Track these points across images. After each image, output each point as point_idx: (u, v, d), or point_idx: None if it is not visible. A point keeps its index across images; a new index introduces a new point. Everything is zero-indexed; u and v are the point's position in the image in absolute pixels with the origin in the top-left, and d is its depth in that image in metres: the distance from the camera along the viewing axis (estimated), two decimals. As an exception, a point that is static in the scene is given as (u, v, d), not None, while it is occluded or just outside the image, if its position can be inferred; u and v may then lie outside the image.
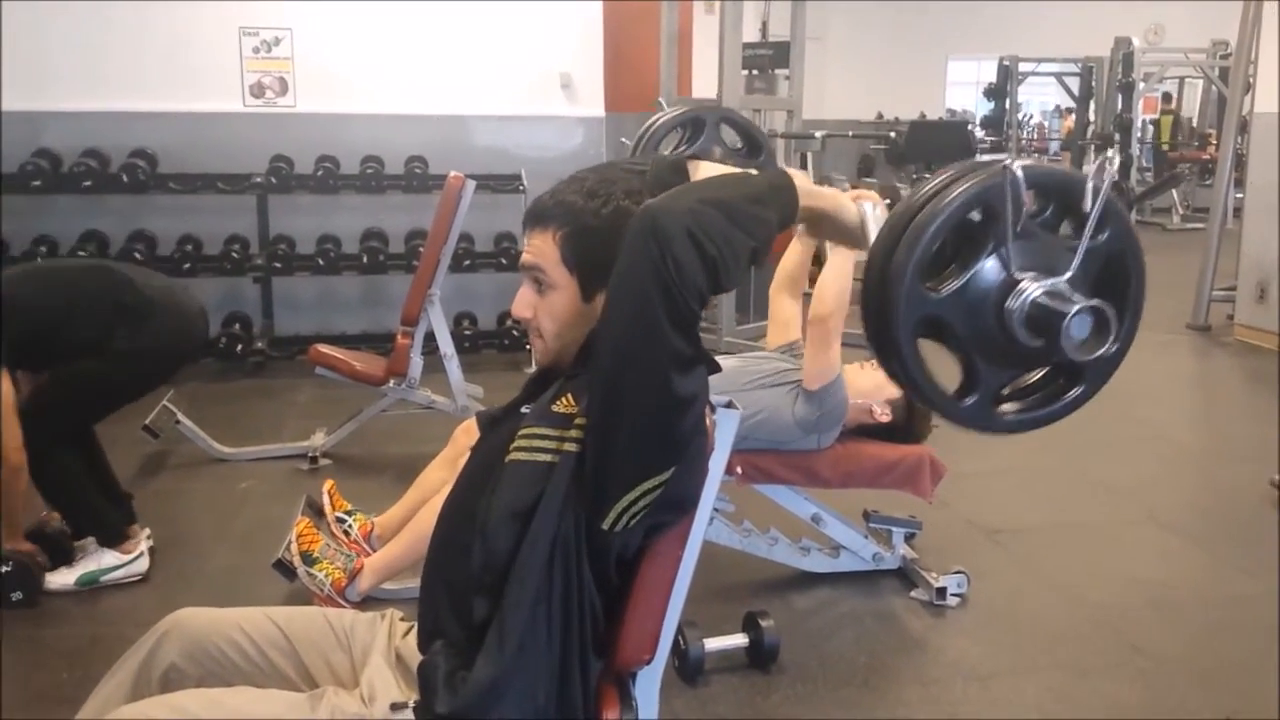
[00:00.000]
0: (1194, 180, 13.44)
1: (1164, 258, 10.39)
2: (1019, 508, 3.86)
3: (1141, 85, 12.81)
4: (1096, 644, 2.84)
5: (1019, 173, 1.19)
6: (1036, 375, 1.32)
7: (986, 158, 1.24)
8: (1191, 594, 3.17)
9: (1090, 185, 1.21)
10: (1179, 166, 13.13)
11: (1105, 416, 5.00)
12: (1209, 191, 8.63)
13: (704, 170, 1.51)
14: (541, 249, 1.47)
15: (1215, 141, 12.39)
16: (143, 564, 3.10)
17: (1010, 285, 1.22)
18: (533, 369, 1.60)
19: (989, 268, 1.23)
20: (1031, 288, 1.21)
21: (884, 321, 1.23)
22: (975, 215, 1.22)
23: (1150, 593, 3.15)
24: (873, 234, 1.36)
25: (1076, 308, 1.18)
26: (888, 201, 1.45)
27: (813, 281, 3.05)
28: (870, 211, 1.42)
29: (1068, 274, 1.22)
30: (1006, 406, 1.32)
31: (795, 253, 3.25)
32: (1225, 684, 2.65)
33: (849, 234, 1.43)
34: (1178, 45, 12.73)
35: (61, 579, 3.01)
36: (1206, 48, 12.66)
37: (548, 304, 1.48)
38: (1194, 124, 14.40)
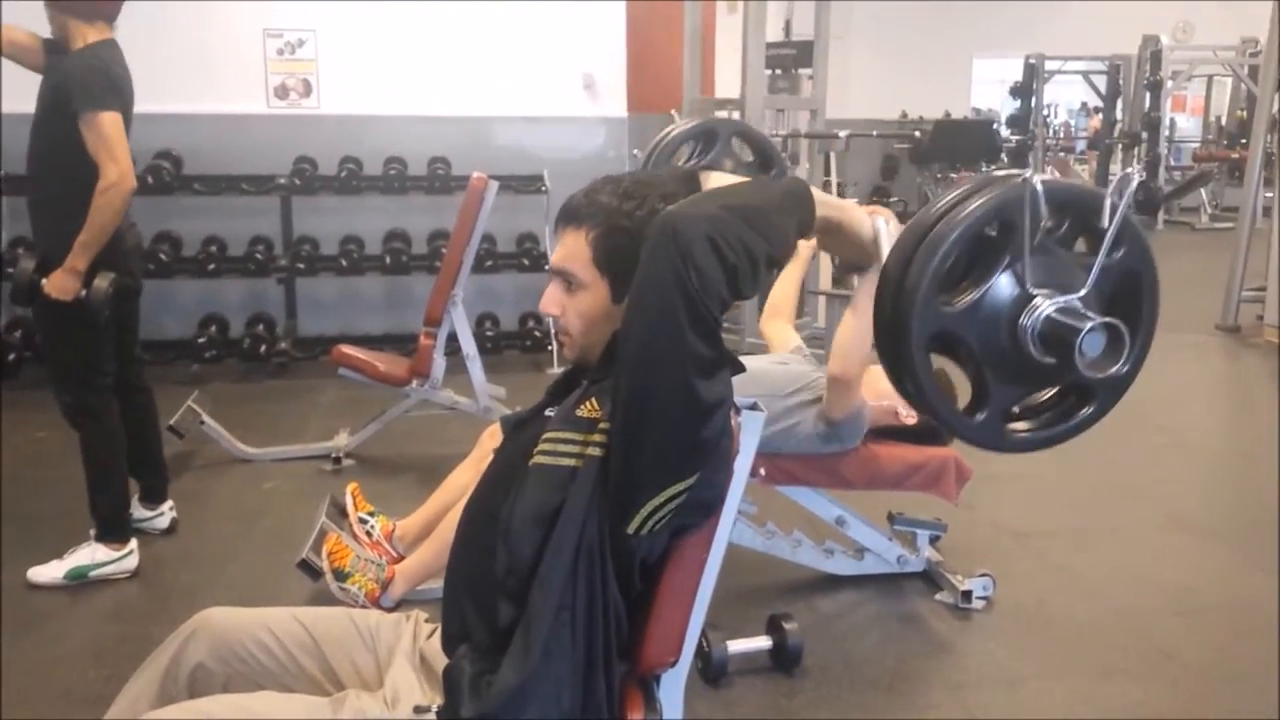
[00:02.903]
0: (1223, 179, 13.31)
1: (1192, 257, 10.32)
2: (1044, 511, 3.83)
3: (1170, 83, 12.69)
4: (1124, 648, 2.82)
5: (1039, 187, 1.17)
6: (1047, 395, 1.31)
7: (1003, 171, 1.23)
8: (1219, 598, 3.13)
9: (1109, 202, 1.19)
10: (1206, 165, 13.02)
11: (1131, 420, 4.92)
12: (1238, 190, 8.54)
13: (714, 181, 1.52)
14: (573, 248, 1.47)
15: (1245, 140, 12.28)
16: (132, 561, 3.13)
17: (1025, 301, 1.21)
18: (555, 370, 1.60)
19: (1004, 283, 1.21)
20: (1046, 304, 1.20)
21: (897, 336, 1.22)
22: (991, 230, 1.20)
23: (1178, 597, 3.12)
24: (885, 249, 1.37)
25: (1091, 325, 1.17)
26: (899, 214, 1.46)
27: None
28: (884, 227, 1.43)
29: (1083, 291, 1.20)
30: (1016, 425, 1.31)
31: (782, 283, 3.30)
32: (1254, 689, 2.61)
33: (862, 248, 1.45)
34: (1207, 43, 12.60)
35: (50, 573, 3.05)
36: (1236, 45, 12.53)
37: (576, 302, 1.48)
38: (1223, 122, 14.25)
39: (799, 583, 3.13)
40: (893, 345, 1.23)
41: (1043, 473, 4.22)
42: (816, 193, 1.40)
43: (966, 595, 2.99)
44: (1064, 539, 3.56)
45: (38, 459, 4.10)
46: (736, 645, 2.63)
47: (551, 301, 1.50)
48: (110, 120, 2.90)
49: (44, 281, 2.93)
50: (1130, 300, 1.26)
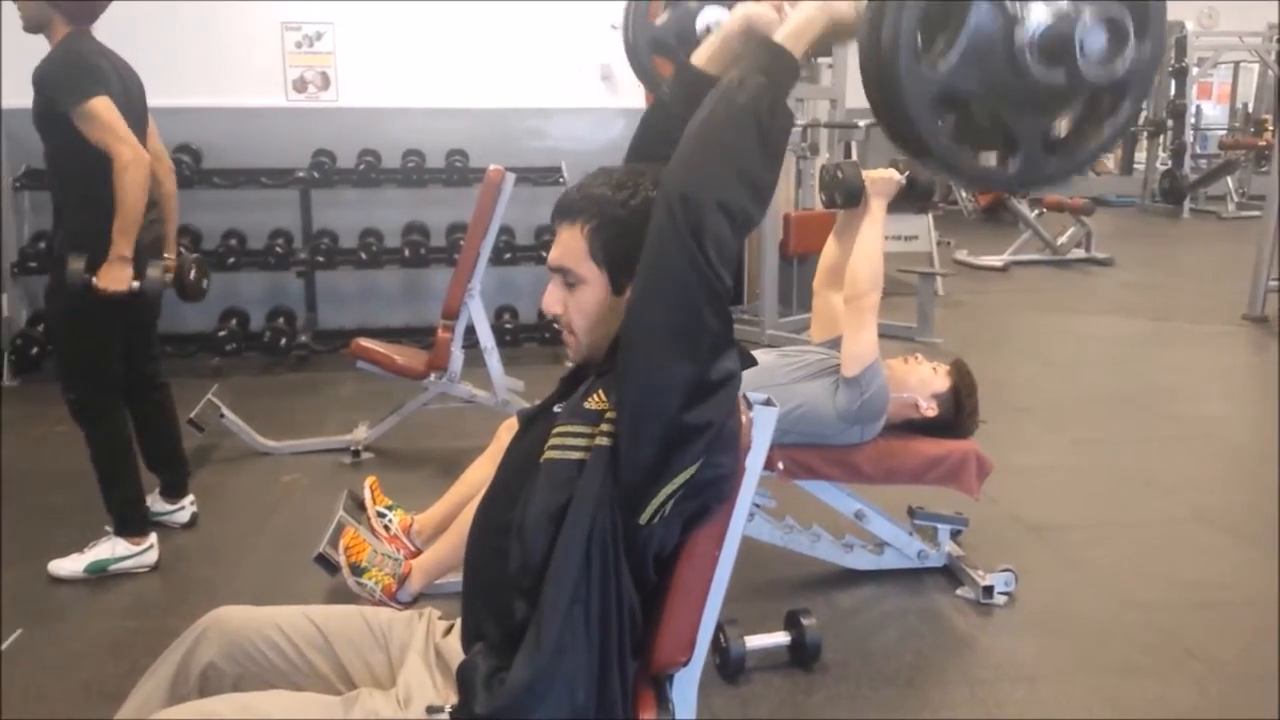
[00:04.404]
0: (1249, 167, 13.14)
1: (1219, 246, 10.21)
2: (1066, 505, 3.78)
3: (1195, 70, 12.53)
4: (1146, 645, 2.78)
5: None
6: (1078, 111, 1.22)
7: None
8: (1243, 595, 3.09)
9: None
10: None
11: (1155, 411, 4.92)
12: (1265, 179, 8.43)
13: (700, 54, 1.57)
14: (569, 244, 1.45)
15: (1271, 127, 12.11)
16: (152, 555, 3.15)
17: (1012, 21, 1.11)
18: (569, 356, 1.58)
19: (985, 12, 1.11)
20: (1037, 16, 1.10)
21: (897, 112, 1.14)
22: None
23: (1201, 593, 3.08)
24: None
25: (1085, 25, 1.07)
26: None
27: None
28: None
29: None
30: (1054, 155, 1.22)
31: (836, 246, 3.21)
32: (1278, 688, 2.58)
33: (853, 32, 1.40)
34: (1232, 29, 12.43)
35: (71, 566, 3.07)
36: (1262, 31, 12.35)
37: (578, 299, 1.46)
38: (1249, 109, 14.07)
39: (818, 578, 3.11)
40: (896, 125, 1.16)
41: (1064, 466, 4.18)
42: (791, 26, 1.36)
43: (988, 590, 2.96)
44: (1086, 533, 3.52)
45: (58, 452, 4.12)
46: (754, 641, 2.61)
47: (553, 301, 1.48)
48: (102, 105, 2.85)
49: (94, 279, 2.91)
50: None
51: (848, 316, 2.86)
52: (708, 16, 2.32)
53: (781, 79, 1.33)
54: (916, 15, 1.10)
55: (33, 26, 2.99)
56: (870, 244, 2.90)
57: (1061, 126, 1.25)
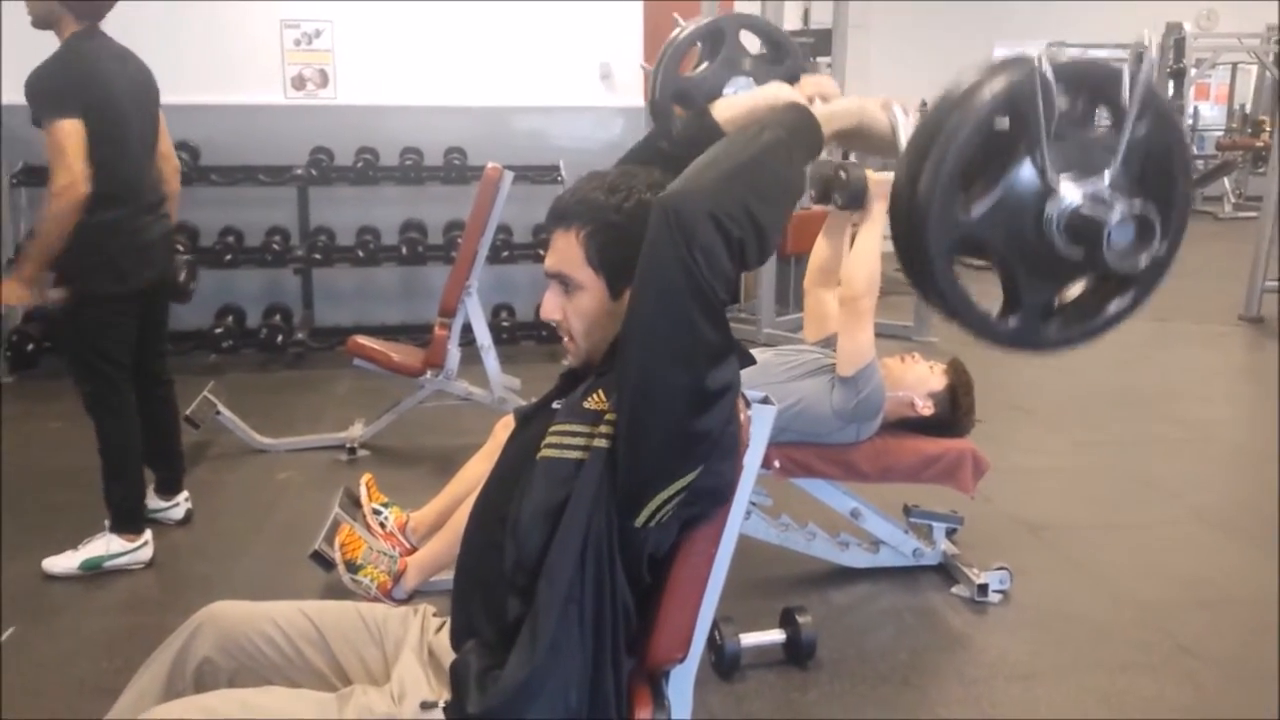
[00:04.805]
0: (1246, 168, 13.15)
1: (1215, 247, 10.20)
2: (1063, 504, 3.79)
3: (1193, 71, 12.53)
4: (1142, 644, 2.78)
5: (1047, 69, 1.10)
6: (1082, 288, 1.25)
7: (1009, 53, 1.14)
8: (1240, 593, 3.09)
9: (1127, 74, 1.12)
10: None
11: (1152, 412, 4.92)
12: (1262, 180, 8.44)
13: (722, 108, 1.53)
14: (565, 250, 1.45)
15: (1269, 128, 12.12)
16: (147, 552, 3.14)
17: (1047, 192, 1.13)
18: (569, 361, 1.58)
19: (1023, 175, 1.14)
20: (1071, 194, 1.12)
21: (916, 250, 1.16)
22: (1003, 121, 1.13)
23: (1197, 592, 3.08)
24: (904, 140, 1.32)
25: (1118, 217, 1.10)
26: (922, 103, 1.37)
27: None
28: (901, 117, 1.38)
29: (1108, 172, 1.13)
30: (1053, 322, 1.25)
31: (825, 245, 3.21)
32: (1276, 685, 2.58)
33: (881, 144, 1.42)
34: (1231, 30, 12.44)
35: (65, 563, 3.06)
36: (1260, 33, 12.36)
37: (576, 305, 1.46)
38: (1247, 110, 14.08)
39: (813, 575, 3.11)
40: (913, 260, 1.18)
41: (1061, 465, 4.19)
42: (825, 108, 1.38)
43: (983, 589, 2.96)
44: (1083, 532, 3.52)
45: (53, 449, 4.12)
46: (750, 638, 2.61)
47: (552, 307, 1.48)
48: (65, 128, 2.80)
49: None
50: (1160, 176, 1.18)
51: (844, 317, 2.86)
52: (738, 85, 2.32)
53: (802, 139, 1.34)
54: (965, 157, 1.12)
55: (41, 24, 2.97)
56: (869, 247, 2.89)
57: (1064, 294, 1.26)
